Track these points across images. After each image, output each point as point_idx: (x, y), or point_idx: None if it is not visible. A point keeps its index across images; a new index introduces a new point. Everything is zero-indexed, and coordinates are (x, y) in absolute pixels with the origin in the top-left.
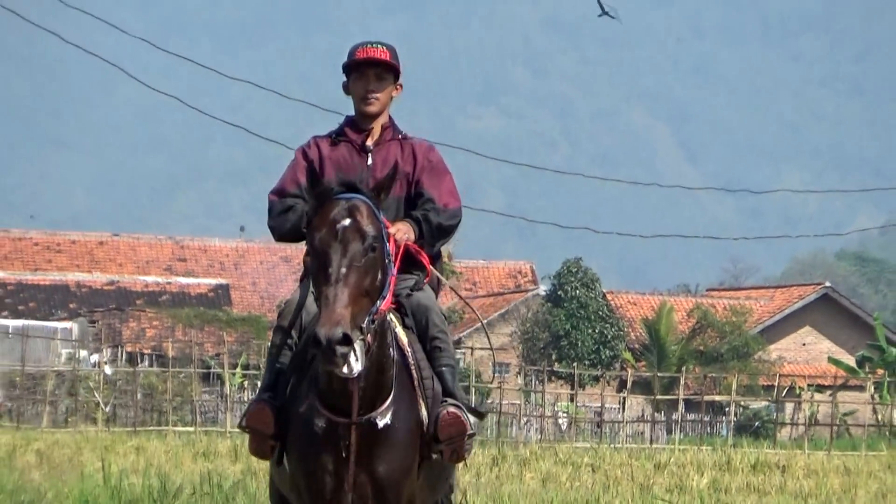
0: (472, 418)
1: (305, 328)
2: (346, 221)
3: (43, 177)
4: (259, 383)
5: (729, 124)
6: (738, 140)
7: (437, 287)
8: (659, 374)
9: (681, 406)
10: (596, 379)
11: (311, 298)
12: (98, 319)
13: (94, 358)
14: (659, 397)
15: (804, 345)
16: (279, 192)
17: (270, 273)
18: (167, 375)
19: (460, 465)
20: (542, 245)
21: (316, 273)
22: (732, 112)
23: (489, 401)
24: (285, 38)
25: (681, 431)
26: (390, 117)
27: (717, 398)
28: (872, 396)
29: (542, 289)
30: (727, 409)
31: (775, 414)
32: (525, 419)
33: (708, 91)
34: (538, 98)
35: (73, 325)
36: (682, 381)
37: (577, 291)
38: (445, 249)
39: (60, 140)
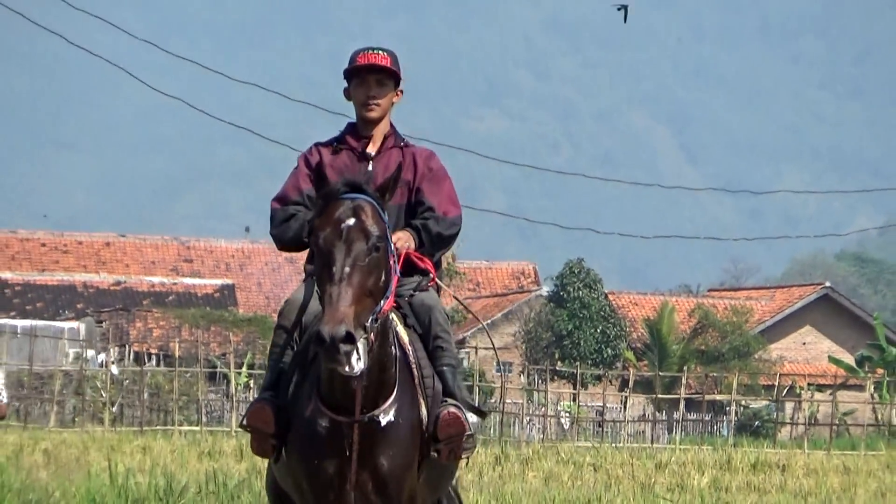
0: (472, 418)
1: (307, 328)
2: (351, 221)
3: (47, 178)
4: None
5: (729, 126)
6: (738, 141)
7: (437, 293)
8: (660, 374)
9: (682, 405)
10: (598, 378)
11: (313, 298)
12: (105, 319)
13: (101, 358)
14: (660, 397)
15: (804, 344)
16: (281, 200)
17: (276, 274)
18: (173, 375)
19: (462, 463)
20: (545, 246)
21: (320, 272)
22: (733, 113)
23: (492, 400)
24: (287, 39)
25: (682, 431)
26: (392, 125)
27: (718, 398)
28: (872, 396)
29: (545, 289)
30: (728, 408)
31: (775, 413)
32: (528, 418)
33: (708, 93)
34: (540, 100)
35: (80, 325)
36: (683, 381)
37: (580, 292)
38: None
39: (65, 141)
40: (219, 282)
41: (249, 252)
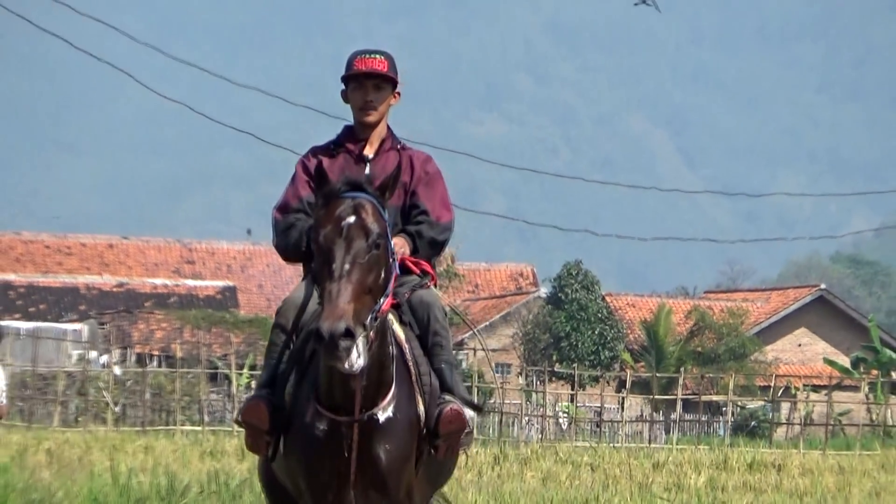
0: (469, 414)
1: (303, 327)
2: (351, 219)
3: (51, 180)
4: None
5: (726, 129)
6: (735, 144)
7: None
8: (657, 375)
9: (679, 406)
10: (595, 379)
11: (313, 298)
12: (107, 321)
13: (104, 359)
14: (657, 397)
15: (800, 346)
16: (282, 209)
17: (277, 276)
18: (175, 376)
19: (461, 460)
20: (543, 248)
21: (320, 269)
22: (730, 117)
23: (491, 400)
24: (288, 43)
25: (679, 431)
26: (389, 128)
27: (715, 398)
28: (867, 396)
29: (543, 291)
30: (724, 408)
31: (771, 414)
32: (526, 419)
33: (706, 97)
34: (539, 104)
35: (83, 327)
36: (680, 382)
37: (578, 293)
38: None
39: (68, 144)
40: (220, 283)
41: (251, 254)
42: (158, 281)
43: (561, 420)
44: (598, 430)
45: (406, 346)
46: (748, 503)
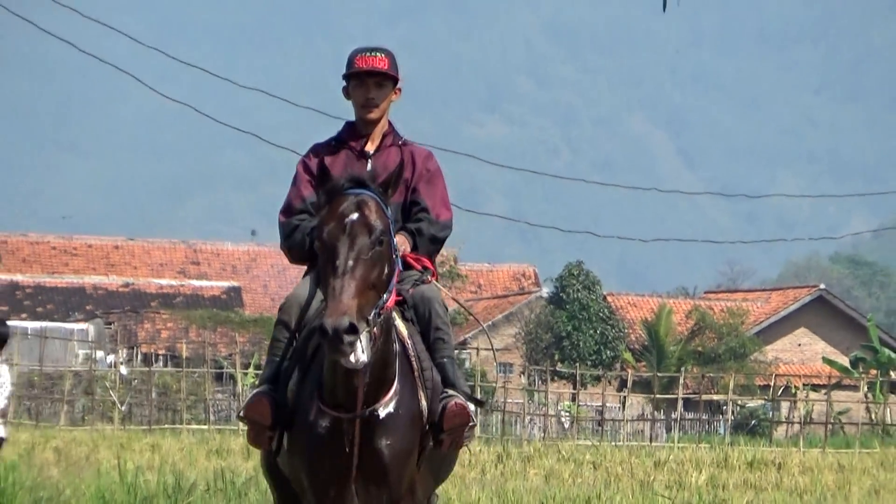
0: (472, 408)
1: (306, 324)
2: (355, 215)
3: (57, 182)
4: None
5: (726, 131)
6: (735, 146)
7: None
8: (658, 374)
9: (679, 405)
10: (597, 379)
11: (317, 296)
12: (114, 321)
13: (110, 358)
14: (658, 396)
15: (799, 345)
16: (287, 211)
17: (281, 276)
18: (181, 375)
19: (463, 456)
20: (545, 248)
21: (324, 266)
22: (730, 119)
23: (494, 399)
24: (291, 45)
25: (680, 430)
26: (390, 123)
27: (715, 397)
28: (866, 396)
29: (545, 291)
30: (725, 407)
31: (771, 413)
32: (529, 418)
33: (706, 99)
34: (540, 105)
35: (89, 327)
36: (680, 381)
37: (579, 294)
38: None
39: (74, 146)
40: (225, 284)
41: (255, 255)
42: (164, 281)
43: (563, 419)
44: (600, 428)
45: (409, 342)
46: (748, 501)
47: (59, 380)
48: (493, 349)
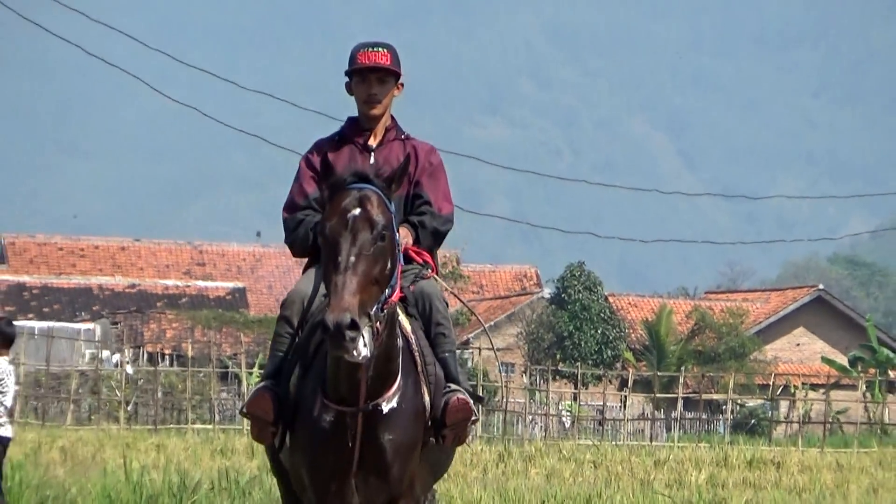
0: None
1: (309, 319)
2: (357, 211)
3: (64, 184)
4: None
5: (726, 133)
6: (735, 148)
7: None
8: (659, 374)
9: (680, 404)
10: (598, 378)
11: (320, 291)
12: (120, 321)
13: (116, 358)
14: (659, 396)
15: (798, 345)
16: (290, 208)
17: (286, 277)
18: (186, 375)
19: (460, 449)
20: (547, 249)
21: (326, 261)
22: (729, 121)
23: (496, 399)
24: (295, 48)
25: (680, 429)
26: (393, 117)
27: (715, 397)
28: (864, 395)
29: (547, 291)
30: (724, 407)
31: (770, 412)
32: (530, 417)
33: (706, 101)
34: (542, 108)
35: (95, 327)
36: (681, 381)
37: (580, 294)
38: (453, 253)
39: (80, 148)
40: (230, 284)
41: (260, 256)
42: (170, 282)
43: (564, 418)
44: (601, 428)
45: (412, 338)
46: (748, 500)
47: (65, 379)
48: (493, 349)
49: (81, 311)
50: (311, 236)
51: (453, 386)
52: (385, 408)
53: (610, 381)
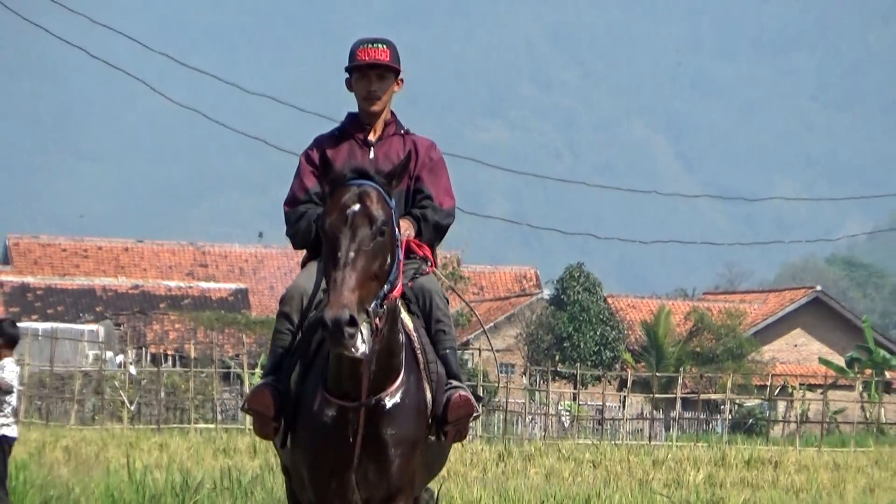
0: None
1: (308, 316)
2: (356, 206)
3: (69, 186)
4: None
5: (724, 135)
6: (733, 150)
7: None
8: (657, 374)
9: (678, 404)
10: (597, 379)
11: (312, 285)
12: (123, 322)
13: (120, 359)
14: (657, 396)
15: (796, 346)
16: (291, 202)
17: (287, 278)
18: (189, 375)
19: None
20: (546, 251)
21: (326, 257)
22: (728, 124)
23: (496, 399)
24: (298, 51)
25: (678, 429)
26: (393, 113)
27: (713, 397)
28: (861, 395)
29: (546, 293)
30: (722, 407)
31: (768, 412)
32: (530, 417)
33: (704, 104)
34: (542, 110)
35: (99, 328)
36: (679, 381)
37: (580, 295)
38: (454, 255)
39: (85, 151)
40: (233, 286)
41: (262, 257)
42: (172, 283)
43: (563, 418)
44: (600, 427)
45: (414, 335)
46: (746, 499)
47: (69, 380)
48: (492, 350)
49: (85, 312)
50: (314, 228)
51: (455, 382)
52: (388, 403)
53: (609, 382)
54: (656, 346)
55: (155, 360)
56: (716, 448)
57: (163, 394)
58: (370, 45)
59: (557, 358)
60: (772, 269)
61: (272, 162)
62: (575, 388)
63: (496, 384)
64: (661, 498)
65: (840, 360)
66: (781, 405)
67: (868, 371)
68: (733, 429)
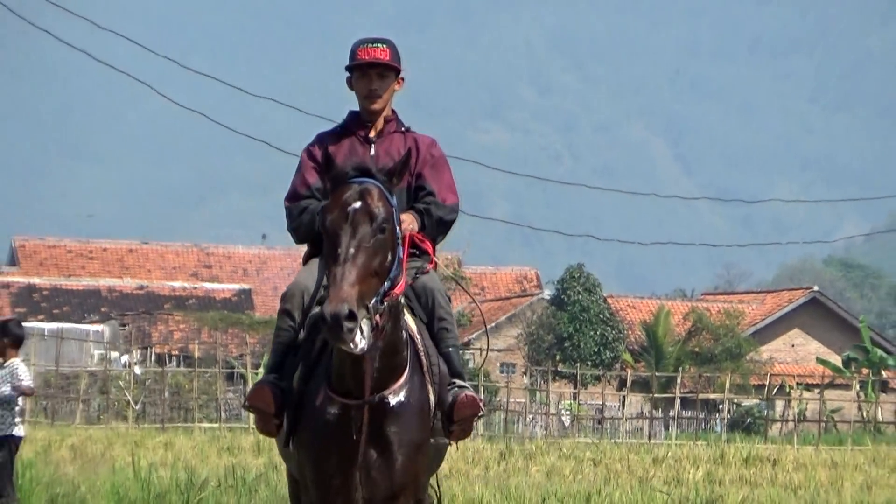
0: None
1: (309, 313)
2: (357, 204)
3: (75, 188)
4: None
5: (723, 138)
6: (731, 153)
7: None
8: (657, 374)
9: (677, 404)
10: (597, 378)
11: (314, 282)
12: (128, 322)
13: (125, 358)
14: (657, 395)
15: (793, 346)
16: (292, 197)
17: (291, 278)
18: (193, 375)
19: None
20: (547, 252)
21: (327, 254)
22: (726, 126)
23: (497, 399)
24: (301, 54)
25: (677, 427)
26: (394, 111)
27: (712, 396)
28: (858, 394)
29: (547, 293)
30: (721, 406)
31: (766, 411)
32: (531, 416)
33: (703, 107)
34: (543, 113)
35: (104, 328)
36: (678, 381)
37: (580, 296)
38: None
39: (91, 153)
40: (236, 286)
41: (266, 258)
42: (177, 284)
43: (564, 417)
44: (600, 426)
45: (418, 338)
46: (744, 496)
47: (74, 379)
48: (488, 349)
49: (90, 313)
50: (318, 220)
51: (459, 382)
52: (392, 401)
53: (609, 381)
54: (656, 346)
55: (160, 359)
56: (715, 446)
57: (167, 393)
58: (370, 45)
59: (558, 358)
60: (770, 270)
61: (275, 163)
62: (575, 387)
63: (497, 384)
64: (660, 495)
65: (837, 360)
66: (779, 404)
67: (865, 370)
68: (732, 428)
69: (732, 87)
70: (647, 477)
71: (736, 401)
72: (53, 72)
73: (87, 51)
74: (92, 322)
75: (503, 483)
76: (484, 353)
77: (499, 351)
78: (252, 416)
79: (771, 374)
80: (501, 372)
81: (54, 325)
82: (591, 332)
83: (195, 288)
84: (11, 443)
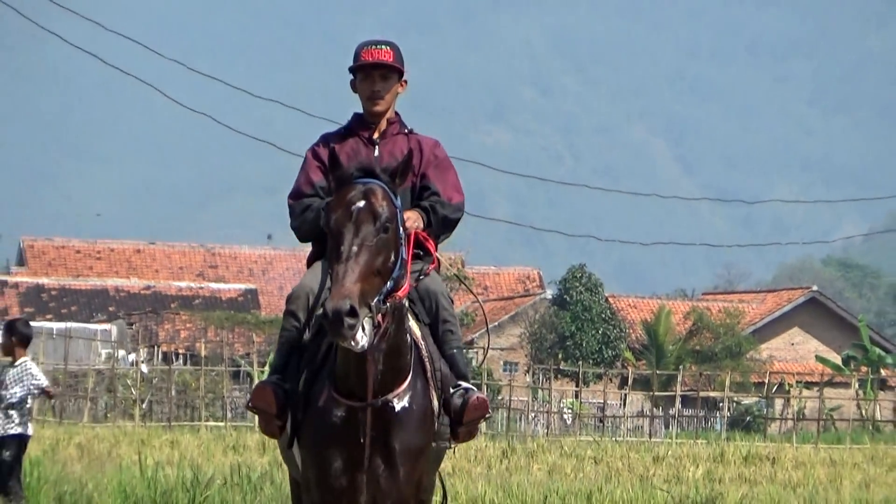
0: None
1: (314, 314)
2: (361, 203)
3: (84, 189)
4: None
5: (723, 139)
6: (731, 154)
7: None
8: (657, 373)
9: (678, 402)
10: (599, 377)
11: (318, 284)
12: (135, 322)
13: (132, 357)
14: (657, 394)
15: (793, 345)
16: (296, 195)
17: (296, 278)
18: (200, 374)
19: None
20: (549, 252)
21: (330, 252)
22: (726, 128)
23: (499, 397)
24: (305, 57)
25: (678, 426)
26: (397, 113)
27: (712, 395)
28: (857, 393)
29: (549, 293)
30: (721, 404)
31: (766, 409)
32: (533, 414)
33: (703, 108)
34: (544, 115)
35: (111, 327)
36: (679, 379)
37: (582, 295)
38: (458, 256)
39: (100, 155)
40: (242, 286)
41: (271, 258)
42: (183, 284)
43: (566, 415)
44: (601, 424)
45: (422, 343)
46: (744, 494)
47: (82, 378)
48: (488, 348)
49: (98, 312)
50: (324, 217)
51: (465, 384)
52: (397, 405)
53: (610, 380)
54: (656, 344)
55: (166, 358)
56: (714, 445)
57: (174, 392)
58: (374, 46)
59: (560, 356)
60: (769, 270)
61: (280, 165)
62: (577, 385)
63: (500, 382)
64: (661, 493)
65: (836, 359)
66: (779, 402)
67: (864, 369)
68: (732, 426)
69: (732, 88)
70: (648, 475)
71: (736, 399)
72: (59, 73)
73: (95, 54)
74: (99, 321)
75: (505, 481)
76: (486, 352)
77: (502, 350)
78: (256, 416)
79: (770, 373)
80: (504, 370)
81: (62, 325)
82: (593, 332)
83: (201, 288)
84: (20, 441)
